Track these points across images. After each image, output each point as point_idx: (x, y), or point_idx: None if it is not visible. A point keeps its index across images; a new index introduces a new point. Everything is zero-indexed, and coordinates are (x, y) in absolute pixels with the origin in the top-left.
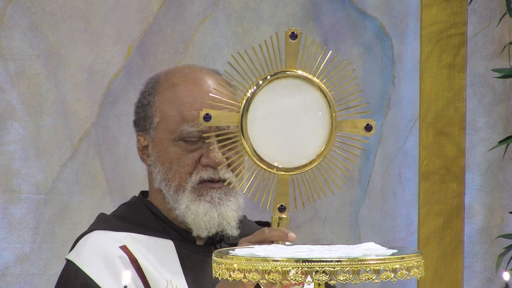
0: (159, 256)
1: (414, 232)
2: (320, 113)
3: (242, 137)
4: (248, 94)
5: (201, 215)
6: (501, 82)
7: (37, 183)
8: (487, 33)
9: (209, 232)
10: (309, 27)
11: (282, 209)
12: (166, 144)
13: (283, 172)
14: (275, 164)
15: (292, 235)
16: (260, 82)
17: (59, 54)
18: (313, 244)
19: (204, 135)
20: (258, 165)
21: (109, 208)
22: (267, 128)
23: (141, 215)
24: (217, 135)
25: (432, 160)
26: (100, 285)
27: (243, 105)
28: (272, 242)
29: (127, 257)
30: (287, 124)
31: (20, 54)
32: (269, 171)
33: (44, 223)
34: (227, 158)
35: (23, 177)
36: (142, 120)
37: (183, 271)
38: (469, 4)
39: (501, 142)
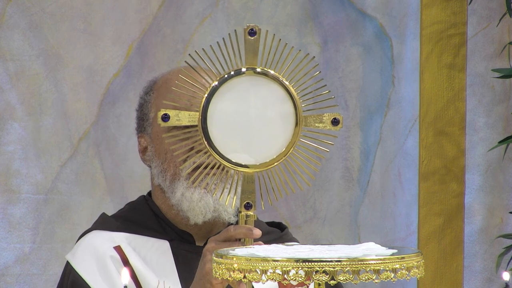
0: (154, 256)
1: (414, 232)
2: (283, 109)
3: (202, 136)
4: (208, 93)
5: (196, 201)
6: (501, 82)
7: (36, 183)
8: (487, 33)
9: (204, 217)
10: (309, 27)
11: (248, 206)
12: (161, 136)
13: (247, 169)
14: (239, 162)
15: (257, 232)
16: (219, 80)
17: (59, 54)
18: (313, 244)
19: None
20: (222, 162)
21: (108, 208)
22: (229, 126)
23: (141, 214)
24: (184, 133)
25: (432, 160)
26: (90, 284)
27: (202, 103)
28: (239, 240)
29: (119, 257)
30: (249, 121)
31: (20, 54)
32: (232, 168)
33: (44, 223)
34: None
35: (22, 177)
36: (141, 120)
37: (177, 271)
38: (469, 4)
39: (501, 142)
